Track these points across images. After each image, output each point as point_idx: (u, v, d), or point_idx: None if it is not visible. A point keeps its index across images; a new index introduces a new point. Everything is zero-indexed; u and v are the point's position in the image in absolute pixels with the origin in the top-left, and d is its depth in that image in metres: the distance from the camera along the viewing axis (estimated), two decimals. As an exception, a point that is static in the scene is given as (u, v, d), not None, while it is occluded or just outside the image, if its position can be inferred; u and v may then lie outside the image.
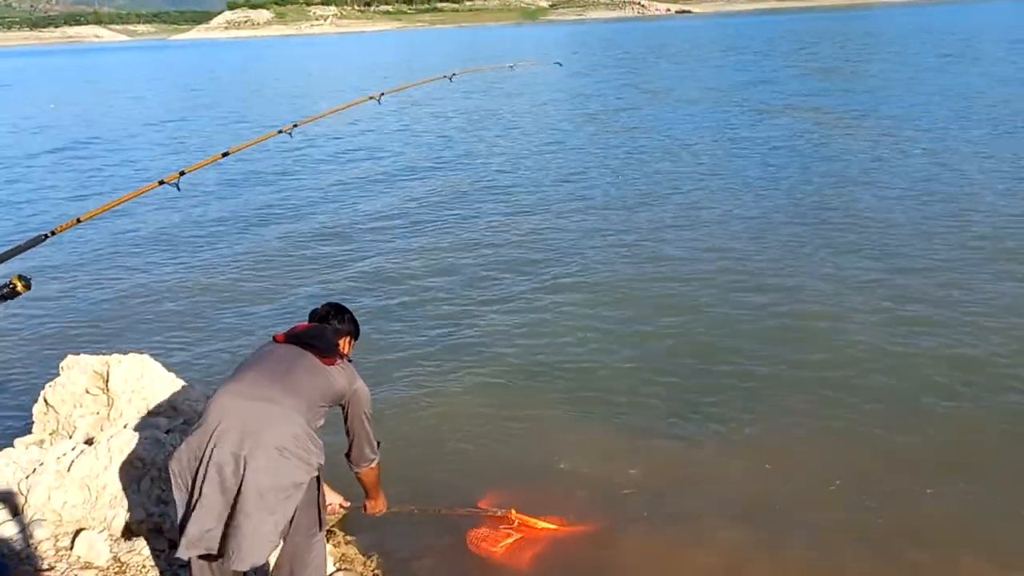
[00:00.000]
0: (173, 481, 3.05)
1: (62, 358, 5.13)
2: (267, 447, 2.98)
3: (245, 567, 3.01)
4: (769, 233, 9.96)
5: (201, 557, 3.06)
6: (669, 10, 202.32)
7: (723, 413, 5.83)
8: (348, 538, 4.60)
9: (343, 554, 4.42)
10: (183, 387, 5.11)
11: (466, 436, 5.72)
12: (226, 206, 12.89)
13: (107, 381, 4.93)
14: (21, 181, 16.37)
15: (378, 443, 3.64)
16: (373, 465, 3.64)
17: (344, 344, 3.54)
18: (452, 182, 14.00)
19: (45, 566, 3.78)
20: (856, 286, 7.99)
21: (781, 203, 11.40)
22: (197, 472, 2.99)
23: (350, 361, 3.52)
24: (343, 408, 3.45)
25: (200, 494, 2.97)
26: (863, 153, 14.43)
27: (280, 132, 5.54)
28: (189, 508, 3.00)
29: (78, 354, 5.08)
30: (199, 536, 2.97)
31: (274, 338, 3.39)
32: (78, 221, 4.30)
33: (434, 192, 13.32)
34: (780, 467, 5.20)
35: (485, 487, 5.00)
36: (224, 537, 2.98)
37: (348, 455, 3.58)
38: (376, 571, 4.37)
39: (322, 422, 3.27)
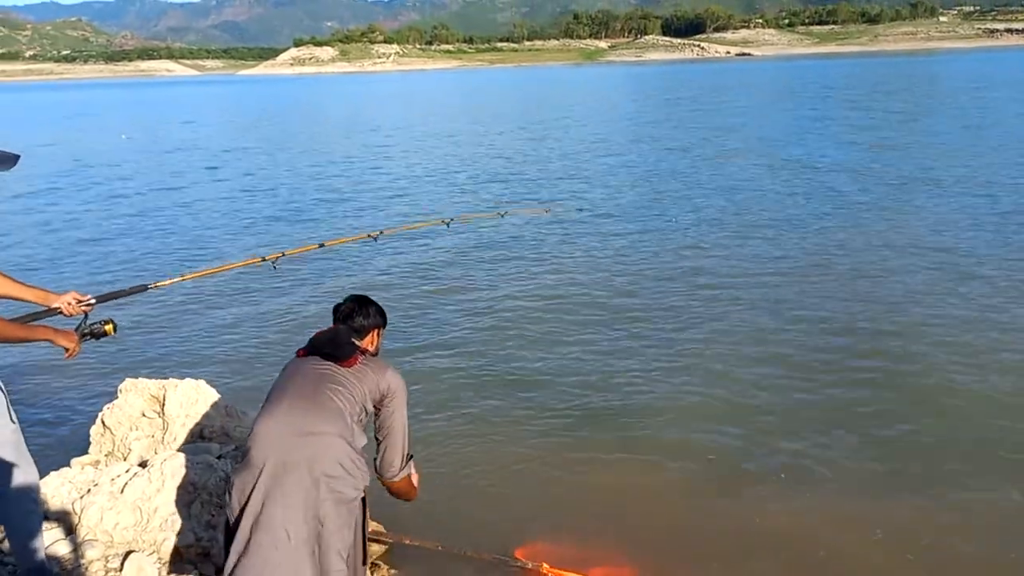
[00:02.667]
0: (228, 515, 3.07)
1: (120, 381, 5.25)
2: (316, 480, 2.99)
3: None
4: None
5: None
6: (729, 52, 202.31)
7: (771, 466, 5.67)
8: (392, 572, 4.57)
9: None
10: (236, 414, 5.19)
11: (505, 477, 5.64)
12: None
13: (163, 405, 5.02)
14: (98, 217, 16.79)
15: (410, 455, 3.51)
16: (399, 478, 3.47)
17: (372, 338, 3.47)
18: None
19: (95, 586, 3.82)
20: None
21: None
22: (245, 512, 3.00)
23: (375, 355, 3.45)
24: (377, 409, 3.35)
25: (250, 536, 2.97)
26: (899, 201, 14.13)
27: (369, 236, 5.77)
28: (240, 551, 3.00)
29: (136, 377, 5.18)
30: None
31: (297, 353, 3.35)
32: (182, 278, 4.62)
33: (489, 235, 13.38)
34: (824, 517, 5.05)
35: (519, 534, 4.90)
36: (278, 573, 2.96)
37: (377, 461, 3.43)
38: (418, 607, 4.33)
39: (364, 440, 3.23)
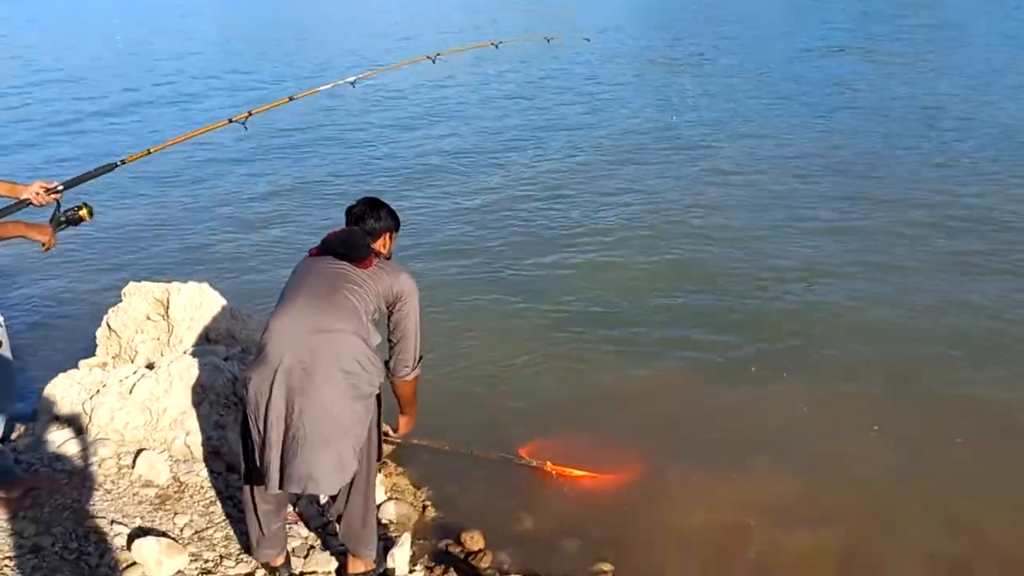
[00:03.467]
0: (247, 411, 3.09)
1: (124, 284, 5.24)
2: (333, 376, 3.00)
3: (321, 492, 3.18)
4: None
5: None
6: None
7: (770, 362, 5.73)
8: (399, 469, 4.66)
9: (394, 484, 4.48)
10: (241, 317, 5.20)
11: (510, 379, 5.69)
12: (290, 142, 12.88)
13: (167, 308, 5.03)
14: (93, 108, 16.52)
15: (421, 357, 3.59)
16: (411, 377, 3.58)
17: (384, 241, 3.44)
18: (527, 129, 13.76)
19: (108, 483, 3.90)
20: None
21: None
22: (267, 411, 3.01)
23: (388, 259, 3.45)
24: (390, 311, 3.39)
25: (269, 432, 3.01)
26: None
27: (345, 82, 5.49)
28: (262, 446, 3.04)
29: (140, 281, 5.17)
30: (275, 471, 3.03)
31: (309, 252, 3.33)
32: (148, 152, 4.39)
33: (495, 132, 13.14)
34: (821, 411, 5.14)
35: (524, 434, 4.96)
36: (299, 466, 3.00)
37: (387, 361, 3.48)
38: (426, 503, 4.43)
39: (379, 339, 3.24)
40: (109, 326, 5.12)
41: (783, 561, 4.01)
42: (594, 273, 7.34)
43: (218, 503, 3.89)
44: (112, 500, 3.78)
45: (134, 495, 3.85)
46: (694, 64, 17.09)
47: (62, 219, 3.69)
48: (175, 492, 3.93)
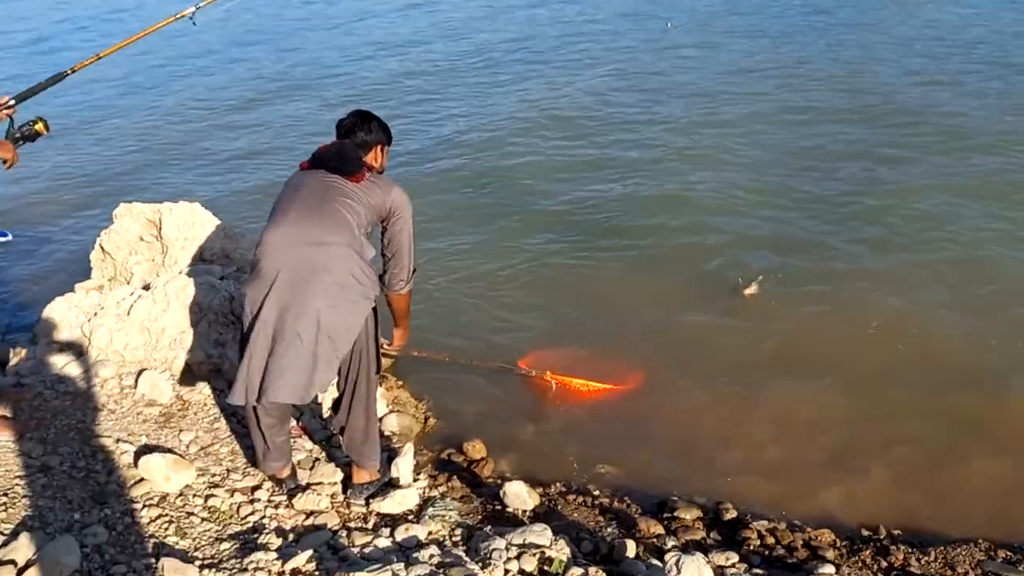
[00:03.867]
0: (243, 326, 3.12)
1: (113, 206, 5.19)
2: (327, 289, 3.01)
3: (307, 399, 3.19)
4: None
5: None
6: None
7: (778, 279, 5.67)
8: (399, 382, 4.71)
9: (395, 397, 4.53)
10: (234, 236, 5.16)
11: (509, 291, 5.70)
12: (246, 39, 12.59)
13: (160, 229, 4.99)
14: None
15: (415, 269, 3.62)
16: (406, 290, 3.63)
17: (376, 154, 3.42)
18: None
19: (112, 403, 3.93)
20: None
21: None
22: (256, 322, 3.03)
23: (381, 172, 3.43)
24: (383, 225, 3.41)
25: (256, 343, 3.04)
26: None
27: None
28: (249, 358, 3.07)
29: (130, 202, 5.12)
30: (257, 382, 3.08)
31: (300, 166, 3.30)
32: (98, 57, 4.23)
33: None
34: (827, 322, 5.15)
35: (523, 345, 5.02)
36: (288, 375, 3.05)
37: (382, 276, 3.51)
38: (427, 414, 4.50)
39: (372, 252, 3.25)
40: (103, 248, 5.08)
41: (783, 466, 4.08)
42: (595, 188, 7.26)
43: (222, 419, 3.94)
44: (117, 420, 3.82)
45: (138, 414, 3.89)
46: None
47: (18, 135, 3.62)
48: (179, 410, 3.98)
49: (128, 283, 4.90)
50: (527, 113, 9.14)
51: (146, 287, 4.58)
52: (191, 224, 4.98)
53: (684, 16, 12.60)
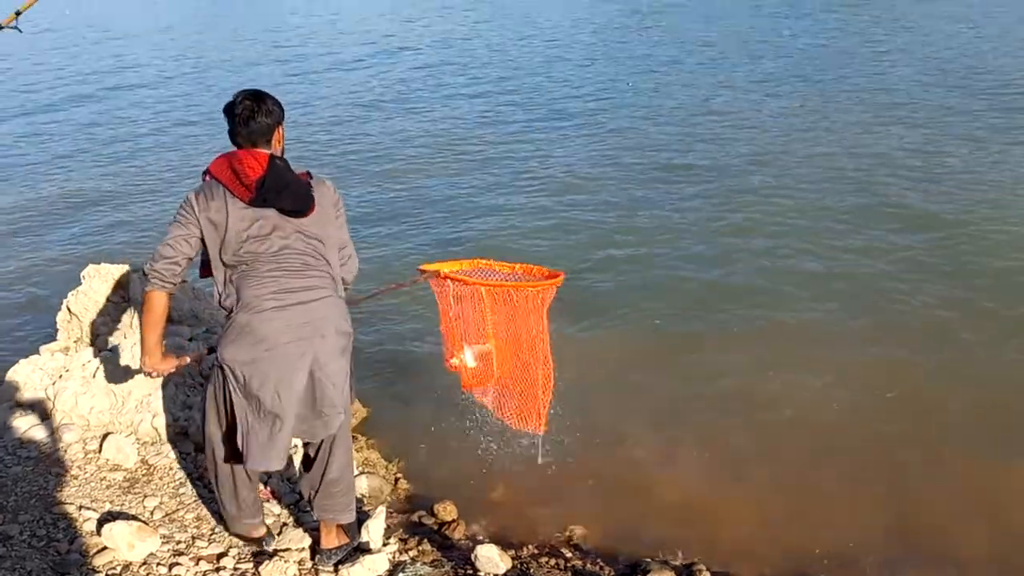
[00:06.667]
0: (229, 391, 3.01)
1: (79, 267, 5.15)
2: (326, 347, 3.01)
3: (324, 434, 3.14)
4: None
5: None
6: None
7: (730, 329, 5.79)
8: (370, 442, 4.67)
9: (365, 458, 4.49)
10: (203, 296, 5.14)
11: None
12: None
13: (127, 289, 4.95)
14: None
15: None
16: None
17: (279, 136, 3.05)
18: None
19: (75, 468, 3.86)
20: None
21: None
22: (252, 387, 2.96)
23: (282, 156, 3.07)
24: None
25: (266, 407, 2.98)
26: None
27: None
28: (256, 422, 3.01)
29: (98, 263, 5.08)
30: (267, 446, 3.04)
31: (238, 195, 2.89)
32: None
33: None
34: (802, 384, 5.21)
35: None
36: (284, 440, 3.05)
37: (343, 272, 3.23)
38: (398, 475, 4.45)
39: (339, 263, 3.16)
40: (69, 310, 5.03)
41: (758, 526, 4.08)
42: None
43: (188, 484, 3.87)
44: (80, 485, 3.74)
45: (102, 479, 3.81)
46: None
47: None
48: (143, 475, 3.90)
49: (94, 344, 4.84)
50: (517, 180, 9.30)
51: (112, 349, 4.53)
52: (160, 285, 4.94)
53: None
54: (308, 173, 3.09)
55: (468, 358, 3.72)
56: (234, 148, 3.01)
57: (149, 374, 3.12)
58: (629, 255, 7.07)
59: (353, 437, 4.50)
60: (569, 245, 7.32)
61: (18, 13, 3.98)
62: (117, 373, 4.25)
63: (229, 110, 2.98)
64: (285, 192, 2.93)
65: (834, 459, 4.48)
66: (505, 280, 3.60)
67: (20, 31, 4.05)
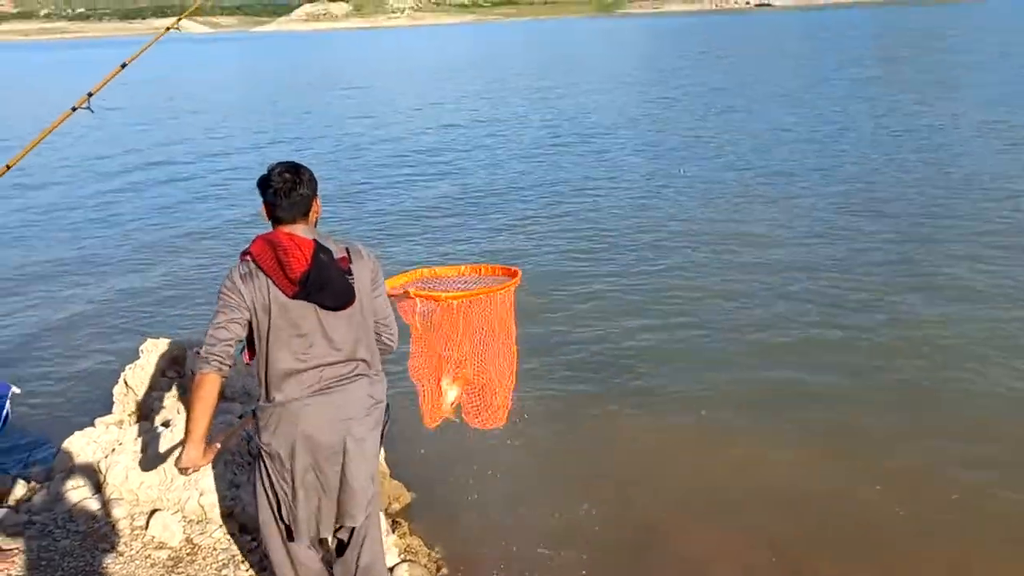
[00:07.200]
0: (271, 474, 3.06)
1: (135, 340, 5.29)
2: (363, 424, 3.05)
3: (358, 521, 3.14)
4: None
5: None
6: (748, 3, 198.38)
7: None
8: (412, 528, 4.62)
9: (407, 545, 4.44)
10: (255, 373, 5.20)
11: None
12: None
13: (183, 365, 5.05)
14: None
15: None
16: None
17: (316, 206, 3.04)
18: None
19: (121, 544, 3.88)
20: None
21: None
22: (297, 467, 3.01)
23: (316, 225, 3.07)
24: None
25: (312, 483, 3.03)
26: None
27: (168, 28, 4.96)
28: (304, 499, 3.05)
29: (157, 338, 5.21)
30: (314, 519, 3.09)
31: (283, 289, 2.90)
32: (7, 168, 4.00)
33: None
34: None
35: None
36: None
37: (385, 341, 3.22)
38: (440, 563, 4.38)
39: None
40: (126, 383, 5.14)
41: None
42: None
43: (230, 566, 3.85)
44: (125, 563, 3.76)
45: (147, 557, 3.83)
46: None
47: None
48: (187, 554, 3.90)
49: (148, 419, 4.92)
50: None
51: (166, 424, 4.59)
52: (214, 362, 5.03)
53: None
54: (347, 250, 3.05)
55: (451, 397, 3.58)
56: (272, 225, 3.00)
57: (184, 470, 2.94)
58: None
59: (395, 522, 4.48)
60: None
61: (90, 95, 4.25)
62: (167, 449, 4.30)
63: (265, 183, 2.95)
64: (327, 289, 2.94)
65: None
66: (464, 286, 3.62)
67: (92, 111, 4.28)
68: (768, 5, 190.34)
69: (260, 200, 2.96)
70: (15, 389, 1.95)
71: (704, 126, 18.25)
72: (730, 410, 5.90)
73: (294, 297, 2.92)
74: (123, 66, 4.55)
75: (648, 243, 9.82)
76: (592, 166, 14.58)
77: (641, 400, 6.11)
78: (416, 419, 5.81)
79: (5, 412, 2.08)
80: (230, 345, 2.97)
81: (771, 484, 5.02)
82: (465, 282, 3.68)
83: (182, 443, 2.91)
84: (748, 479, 5.07)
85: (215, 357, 2.91)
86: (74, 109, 4.30)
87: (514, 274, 3.60)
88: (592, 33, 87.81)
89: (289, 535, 3.14)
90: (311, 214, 3.03)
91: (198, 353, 2.88)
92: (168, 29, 4.91)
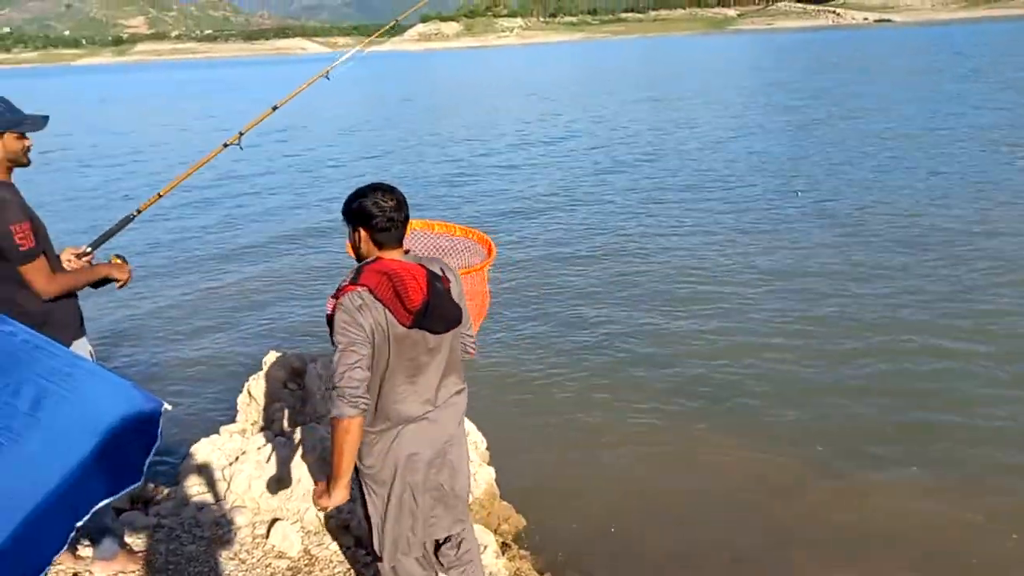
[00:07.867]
0: (375, 493, 3.13)
1: (260, 353, 5.46)
2: (460, 432, 3.19)
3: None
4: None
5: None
6: (867, 19, 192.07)
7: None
8: (522, 553, 4.59)
9: (517, 569, 4.40)
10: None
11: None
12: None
13: (303, 377, 5.18)
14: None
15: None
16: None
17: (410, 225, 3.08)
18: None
19: (243, 552, 3.99)
20: None
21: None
22: (404, 493, 3.07)
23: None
24: None
25: (418, 507, 3.10)
26: None
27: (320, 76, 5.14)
28: (405, 518, 3.11)
29: (279, 351, 5.37)
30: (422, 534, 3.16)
31: (399, 318, 2.88)
32: (159, 196, 4.24)
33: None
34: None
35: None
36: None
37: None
38: (549, 586, 4.33)
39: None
40: (250, 393, 5.31)
41: None
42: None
43: (346, 579, 3.91)
44: (247, 571, 3.86)
45: (267, 566, 3.92)
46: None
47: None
48: (305, 565, 3.98)
49: (269, 429, 5.06)
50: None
51: (285, 435, 4.72)
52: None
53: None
54: (442, 270, 3.05)
55: None
56: (377, 251, 2.97)
57: (325, 508, 2.98)
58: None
59: (507, 545, 4.45)
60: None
61: (241, 134, 4.50)
62: (288, 459, 4.40)
63: (363, 210, 2.92)
64: (439, 316, 2.95)
65: None
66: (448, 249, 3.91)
67: (241, 148, 4.53)
68: (889, 21, 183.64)
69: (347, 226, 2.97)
70: (166, 406, 2.00)
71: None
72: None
73: (410, 327, 2.91)
74: (274, 108, 4.83)
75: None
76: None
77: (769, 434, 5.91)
78: (528, 439, 5.84)
79: (159, 431, 2.13)
80: (366, 383, 2.91)
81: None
82: (449, 243, 3.94)
83: (328, 482, 2.94)
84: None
85: (361, 400, 2.85)
86: (225, 145, 4.55)
87: (488, 247, 3.70)
88: (709, 50, 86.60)
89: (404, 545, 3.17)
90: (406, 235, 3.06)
91: (333, 389, 2.87)
92: (319, 77, 5.09)
